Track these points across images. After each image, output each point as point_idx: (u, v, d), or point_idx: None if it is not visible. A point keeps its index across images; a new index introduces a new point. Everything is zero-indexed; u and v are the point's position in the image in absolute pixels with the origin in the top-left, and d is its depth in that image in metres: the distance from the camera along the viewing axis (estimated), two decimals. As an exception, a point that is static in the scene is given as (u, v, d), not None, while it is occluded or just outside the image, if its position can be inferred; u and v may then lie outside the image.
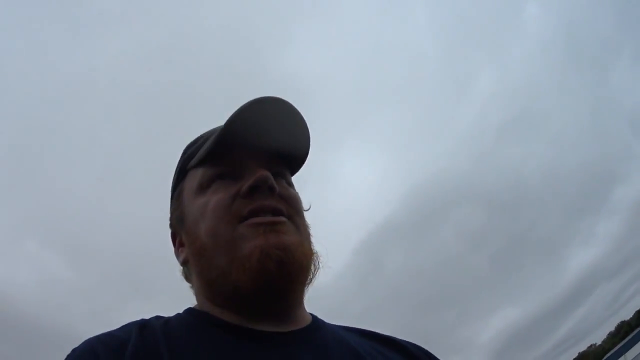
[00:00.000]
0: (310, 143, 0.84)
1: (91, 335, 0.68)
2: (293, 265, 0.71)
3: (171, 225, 0.88)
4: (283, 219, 0.75)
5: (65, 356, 0.66)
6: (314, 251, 0.79)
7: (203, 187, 0.79)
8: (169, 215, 0.89)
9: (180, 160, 0.88)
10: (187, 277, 0.85)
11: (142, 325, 0.71)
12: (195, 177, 0.82)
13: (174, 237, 0.87)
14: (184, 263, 0.83)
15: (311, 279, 0.78)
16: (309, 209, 0.86)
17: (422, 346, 0.90)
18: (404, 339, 0.90)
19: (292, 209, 0.79)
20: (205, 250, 0.75)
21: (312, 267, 0.77)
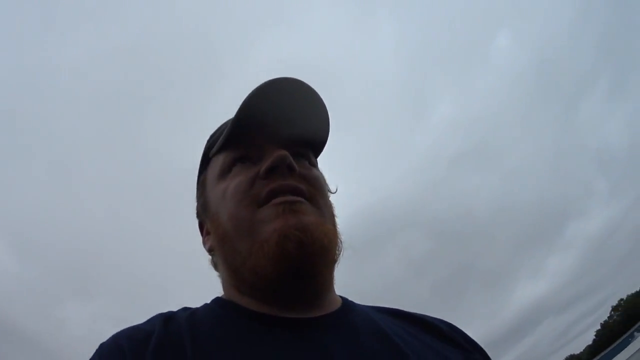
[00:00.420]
0: (330, 124, 0.82)
1: (118, 330, 0.69)
2: (313, 245, 0.68)
3: (198, 215, 0.87)
4: (301, 198, 0.73)
5: (94, 352, 0.66)
6: (337, 232, 0.77)
7: (224, 173, 0.79)
8: (195, 205, 0.89)
9: (204, 149, 0.88)
10: (215, 266, 0.84)
11: (168, 317, 0.71)
12: (217, 163, 0.81)
13: (201, 226, 0.87)
14: (210, 251, 0.83)
15: (336, 260, 0.76)
16: (335, 191, 0.84)
17: (454, 324, 0.88)
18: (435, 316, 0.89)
19: (313, 189, 0.76)
20: (227, 235, 0.74)
21: (336, 248, 0.75)
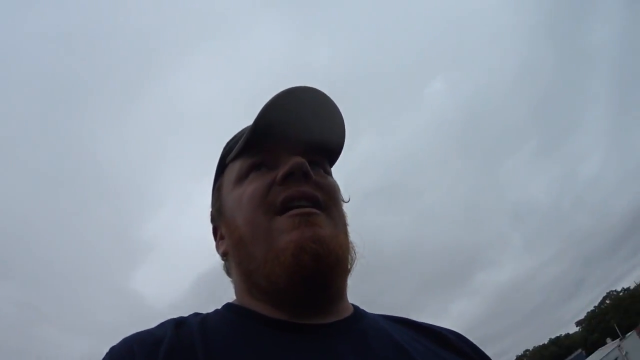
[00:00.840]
0: (346, 132, 0.83)
1: (129, 334, 0.68)
2: (329, 257, 0.70)
3: (212, 220, 0.88)
4: (317, 211, 0.74)
5: (104, 354, 0.66)
6: (350, 242, 0.79)
7: (241, 179, 0.79)
8: (210, 210, 0.89)
9: (220, 155, 0.89)
10: (228, 271, 0.85)
11: (179, 323, 0.71)
12: (234, 169, 0.82)
13: (215, 230, 0.88)
14: (224, 255, 0.84)
15: (350, 270, 0.77)
16: (348, 200, 0.86)
17: (462, 334, 0.90)
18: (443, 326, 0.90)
19: (327, 197, 0.77)
20: (243, 240, 0.75)
21: (349, 258, 0.77)
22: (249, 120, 0.81)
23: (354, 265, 0.78)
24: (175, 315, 0.75)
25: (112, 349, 0.66)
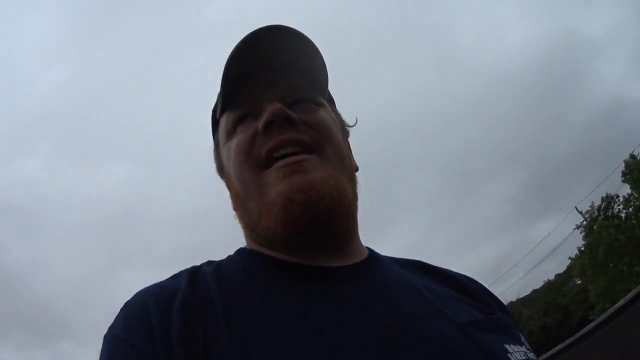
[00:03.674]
0: (324, 60, 0.78)
1: (143, 287, 0.68)
2: (321, 202, 0.68)
3: (218, 173, 0.89)
4: (305, 156, 0.71)
5: (119, 310, 0.66)
6: (351, 177, 0.76)
7: (229, 133, 0.79)
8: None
9: (212, 111, 0.88)
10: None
11: (193, 272, 0.70)
12: (223, 124, 0.81)
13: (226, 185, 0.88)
14: (234, 209, 0.84)
15: (354, 207, 0.76)
16: (355, 124, 0.84)
17: (477, 279, 0.89)
18: (458, 272, 0.89)
19: (318, 135, 0.74)
20: (238, 196, 0.77)
21: (352, 195, 0.74)
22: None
23: (358, 203, 0.77)
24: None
25: (127, 304, 0.65)
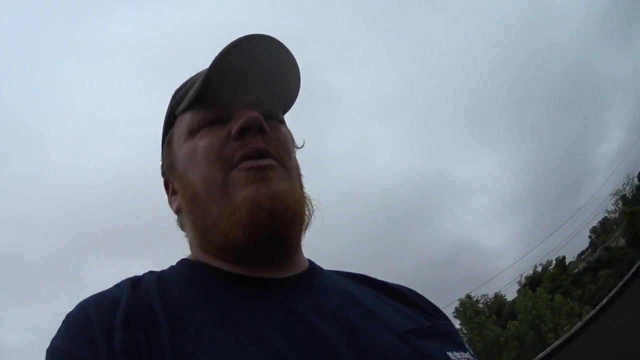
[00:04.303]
0: (301, 81, 0.80)
1: (85, 297, 0.66)
2: (285, 213, 0.69)
3: (163, 173, 0.85)
4: (273, 162, 0.72)
5: (61, 322, 0.63)
6: (305, 195, 0.77)
7: (192, 132, 0.76)
8: (160, 163, 0.86)
9: (169, 105, 0.84)
10: (182, 226, 0.82)
11: (135, 282, 0.68)
12: (184, 121, 0.78)
13: (166, 185, 0.84)
14: (177, 211, 0.81)
15: (307, 224, 0.76)
16: (302, 146, 0.84)
17: (414, 289, 0.90)
18: (395, 282, 0.89)
19: (282, 150, 0.75)
20: (197, 196, 0.73)
21: (306, 212, 0.75)
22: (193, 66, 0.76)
23: (311, 219, 0.77)
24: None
25: (69, 315, 0.63)
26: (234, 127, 0.72)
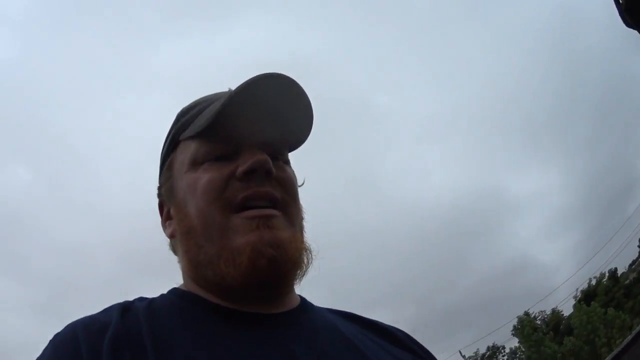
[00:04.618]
0: (312, 126, 0.81)
1: (74, 319, 0.66)
2: (286, 262, 0.69)
3: (160, 195, 0.84)
4: (277, 212, 0.72)
5: (48, 341, 0.64)
6: (306, 244, 0.76)
7: (195, 163, 0.75)
8: (157, 182, 0.86)
9: (172, 128, 0.83)
10: (175, 250, 0.82)
11: (125, 308, 0.68)
12: (188, 150, 0.77)
13: (161, 207, 0.84)
14: (171, 236, 0.80)
15: (304, 272, 0.75)
16: (302, 184, 0.83)
17: (404, 330, 0.90)
18: (386, 322, 0.90)
19: (287, 195, 0.76)
20: (194, 231, 0.72)
21: (305, 260, 0.74)
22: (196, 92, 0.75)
23: (309, 266, 0.75)
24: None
25: (57, 335, 0.64)
26: (241, 167, 0.72)
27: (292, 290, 0.79)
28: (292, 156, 0.84)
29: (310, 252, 0.75)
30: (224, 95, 0.75)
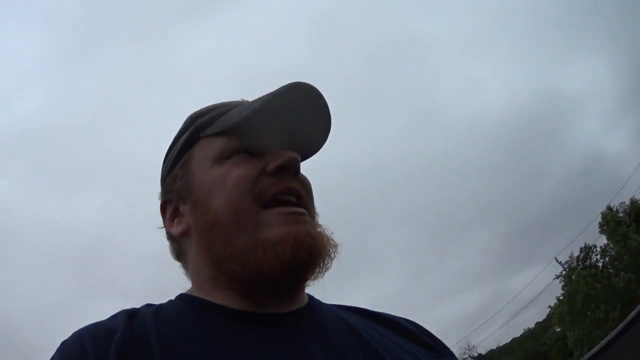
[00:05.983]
0: (327, 140, 0.85)
1: (81, 326, 0.67)
2: (320, 254, 0.72)
3: (164, 194, 0.83)
4: (304, 210, 0.75)
5: (55, 349, 0.65)
6: (332, 240, 0.77)
7: (222, 158, 0.76)
8: (160, 184, 0.86)
9: (188, 129, 0.83)
10: (179, 255, 0.82)
11: (132, 314, 0.69)
12: (211, 146, 0.78)
13: (163, 207, 0.83)
14: (182, 235, 0.78)
15: (328, 268, 0.76)
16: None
17: (413, 320, 0.90)
18: (394, 314, 0.90)
19: (308, 197, 0.79)
20: (220, 224, 0.72)
21: (332, 255, 0.76)
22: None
23: (330, 265, 0.76)
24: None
25: (64, 343, 0.64)
26: (273, 162, 0.73)
27: (304, 288, 0.80)
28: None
29: (336, 247, 0.76)
30: (246, 102, 0.81)
